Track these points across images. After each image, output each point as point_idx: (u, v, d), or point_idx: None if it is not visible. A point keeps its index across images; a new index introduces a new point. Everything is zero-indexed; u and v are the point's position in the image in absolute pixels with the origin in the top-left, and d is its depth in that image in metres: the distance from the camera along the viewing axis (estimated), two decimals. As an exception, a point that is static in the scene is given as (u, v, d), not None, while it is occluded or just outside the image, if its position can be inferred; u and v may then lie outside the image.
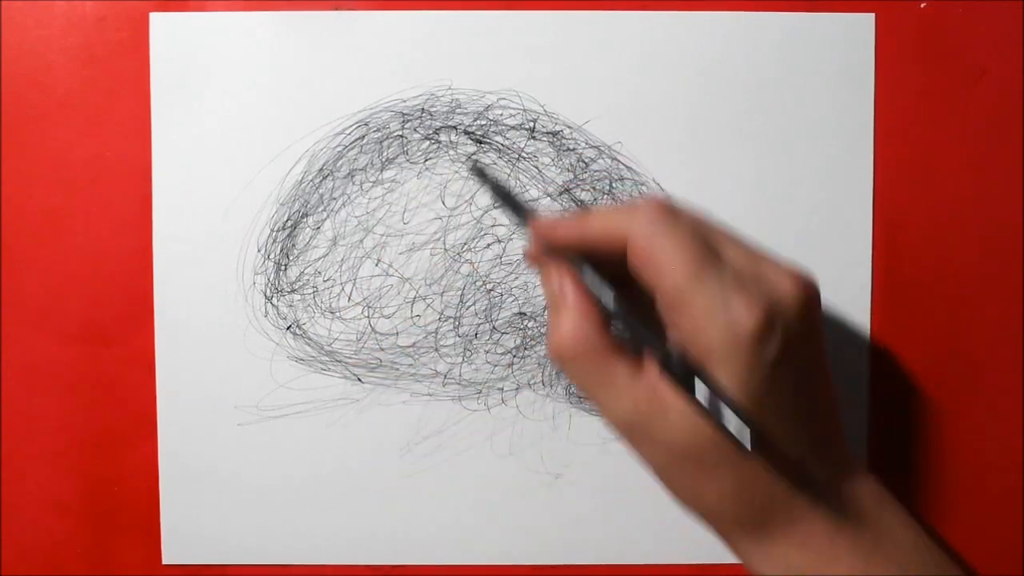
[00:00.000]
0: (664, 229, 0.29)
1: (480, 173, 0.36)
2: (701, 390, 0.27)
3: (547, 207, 0.40)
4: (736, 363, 0.27)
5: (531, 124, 0.40)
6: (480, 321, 0.40)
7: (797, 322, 0.28)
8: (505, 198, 0.34)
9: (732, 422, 0.26)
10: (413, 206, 0.40)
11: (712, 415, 0.27)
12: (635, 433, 0.29)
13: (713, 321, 0.28)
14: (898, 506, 0.31)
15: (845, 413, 0.40)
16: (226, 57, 0.39)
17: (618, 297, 0.30)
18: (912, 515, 0.31)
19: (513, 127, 0.40)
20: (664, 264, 0.28)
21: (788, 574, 0.29)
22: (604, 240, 0.30)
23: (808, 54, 0.39)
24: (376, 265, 0.40)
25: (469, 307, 0.40)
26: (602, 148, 0.40)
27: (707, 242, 0.29)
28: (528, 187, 0.40)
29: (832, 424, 0.31)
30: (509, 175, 0.39)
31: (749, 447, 0.26)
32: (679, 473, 0.29)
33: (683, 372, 0.27)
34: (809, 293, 0.29)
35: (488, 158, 0.40)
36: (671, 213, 0.29)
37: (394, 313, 0.40)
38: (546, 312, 0.39)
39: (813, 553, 0.29)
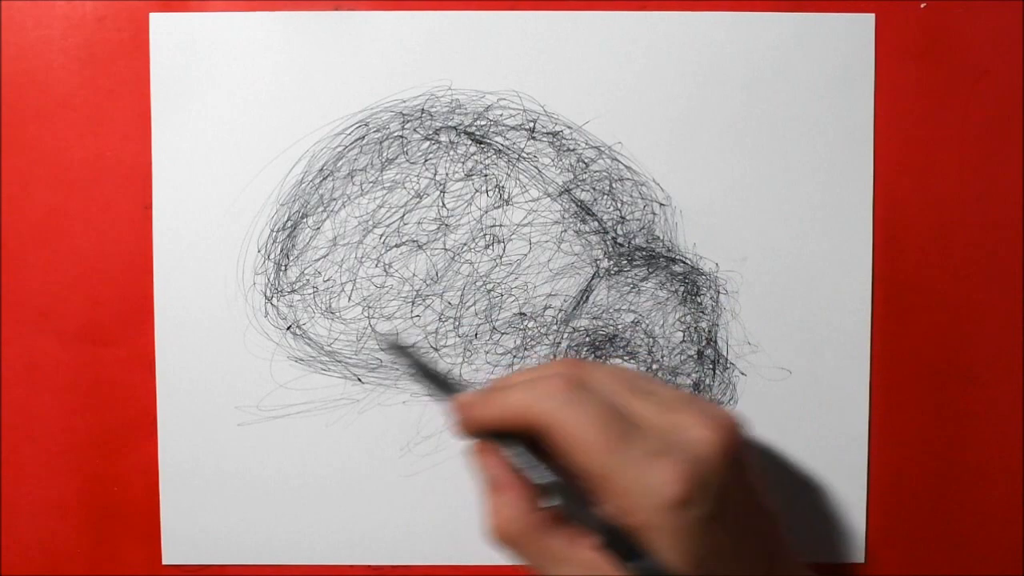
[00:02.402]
0: (572, 409, 0.29)
1: (398, 349, 0.37)
2: (645, 564, 0.27)
3: (547, 208, 0.40)
4: (671, 532, 0.27)
5: (531, 124, 0.40)
6: (480, 321, 0.40)
7: (723, 476, 0.28)
8: (426, 374, 0.35)
9: None
10: (413, 206, 0.40)
11: None
12: None
13: (640, 495, 0.27)
14: None
15: (844, 414, 0.40)
16: (226, 57, 0.39)
17: (552, 475, 0.30)
18: None
19: (513, 127, 0.40)
20: (579, 443, 0.28)
21: None
22: (520, 422, 0.30)
23: (808, 54, 0.39)
24: (376, 265, 0.40)
25: (469, 307, 0.40)
26: (602, 148, 0.40)
27: (620, 411, 0.29)
28: (528, 187, 0.40)
29: (782, 557, 0.31)
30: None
31: None
32: None
33: (620, 546, 0.28)
34: (729, 441, 0.29)
35: (488, 158, 0.40)
36: (578, 388, 0.29)
37: (394, 313, 0.40)
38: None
39: None
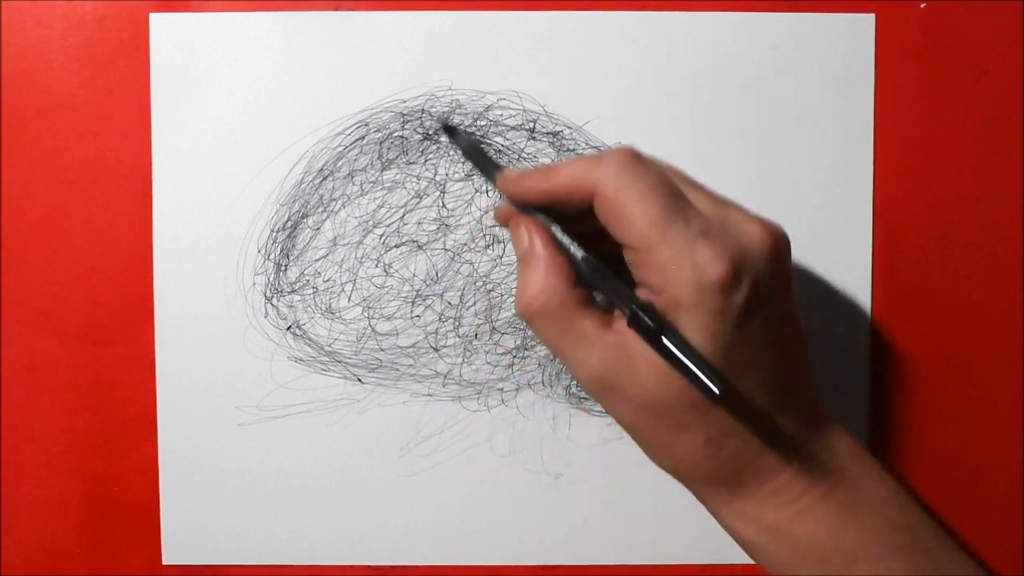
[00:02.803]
0: (629, 179, 0.28)
1: (451, 131, 0.36)
2: (672, 343, 0.26)
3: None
4: (703, 313, 0.27)
5: (531, 125, 0.40)
6: (480, 321, 0.40)
7: (765, 272, 0.28)
8: (476, 155, 0.34)
9: (701, 375, 0.26)
10: (413, 206, 0.40)
11: (681, 368, 0.26)
12: (604, 388, 0.29)
13: (679, 271, 0.27)
14: (872, 460, 0.31)
15: (844, 413, 0.40)
16: (226, 57, 0.39)
17: (587, 252, 0.29)
18: (885, 468, 0.31)
19: (513, 127, 0.40)
20: (630, 214, 0.28)
21: (761, 531, 0.29)
22: (571, 191, 0.29)
23: (808, 54, 0.39)
24: (376, 265, 0.40)
25: (469, 307, 0.40)
26: (602, 148, 0.40)
27: (674, 191, 0.28)
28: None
29: (803, 378, 0.30)
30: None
31: (716, 395, 0.25)
32: (649, 428, 0.29)
33: (652, 326, 0.27)
34: (777, 243, 0.28)
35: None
36: (637, 162, 0.29)
37: (394, 313, 0.40)
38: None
39: (786, 509, 0.29)
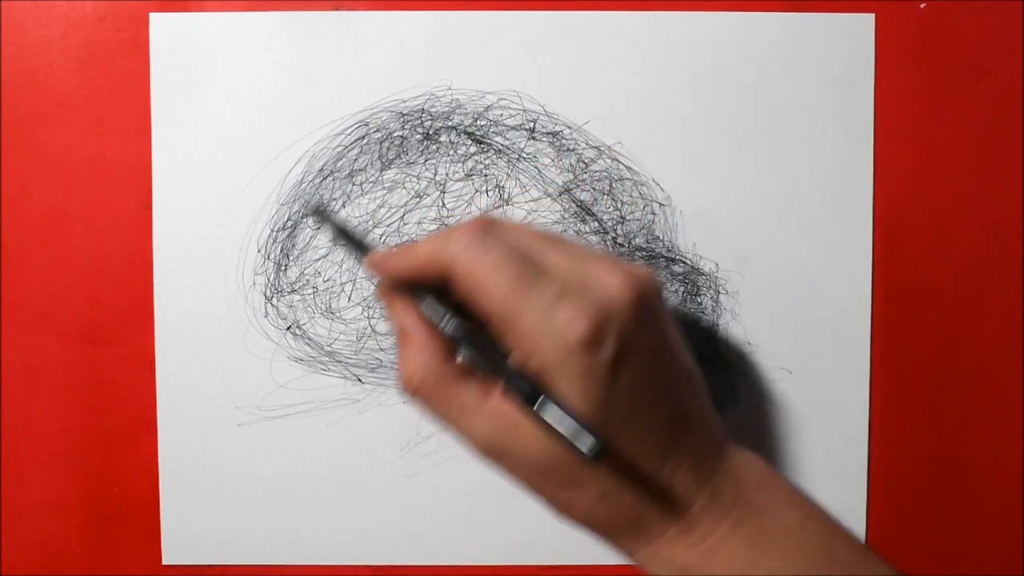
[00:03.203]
0: (478, 253, 0.29)
1: (320, 213, 0.37)
2: (548, 406, 0.27)
3: (547, 208, 0.40)
4: (572, 374, 0.27)
5: (531, 124, 0.40)
6: (480, 321, 0.40)
7: (631, 322, 0.28)
8: (345, 238, 0.35)
9: (580, 433, 0.26)
10: (413, 206, 0.40)
11: (558, 430, 0.27)
12: (495, 455, 0.29)
13: (541, 336, 0.27)
14: (782, 486, 0.30)
15: (844, 414, 0.40)
16: (226, 57, 0.39)
17: (459, 323, 0.30)
18: (798, 492, 0.30)
19: (513, 127, 0.40)
20: (484, 286, 0.28)
21: (676, 571, 0.29)
22: (429, 269, 0.30)
23: (808, 54, 0.39)
24: (376, 265, 0.40)
25: (469, 307, 0.40)
26: (602, 148, 0.40)
27: (526, 258, 0.29)
28: (528, 187, 0.40)
29: (697, 413, 0.30)
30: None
31: (589, 453, 0.26)
32: (545, 489, 0.29)
33: (527, 391, 0.28)
34: (640, 292, 0.28)
35: (488, 158, 0.40)
36: (485, 234, 0.29)
37: (394, 313, 0.40)
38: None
39: (695, 548, 0.29)
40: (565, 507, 0.30)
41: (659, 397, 0.29)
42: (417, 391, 0.30)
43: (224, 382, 0.40)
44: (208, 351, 0.40)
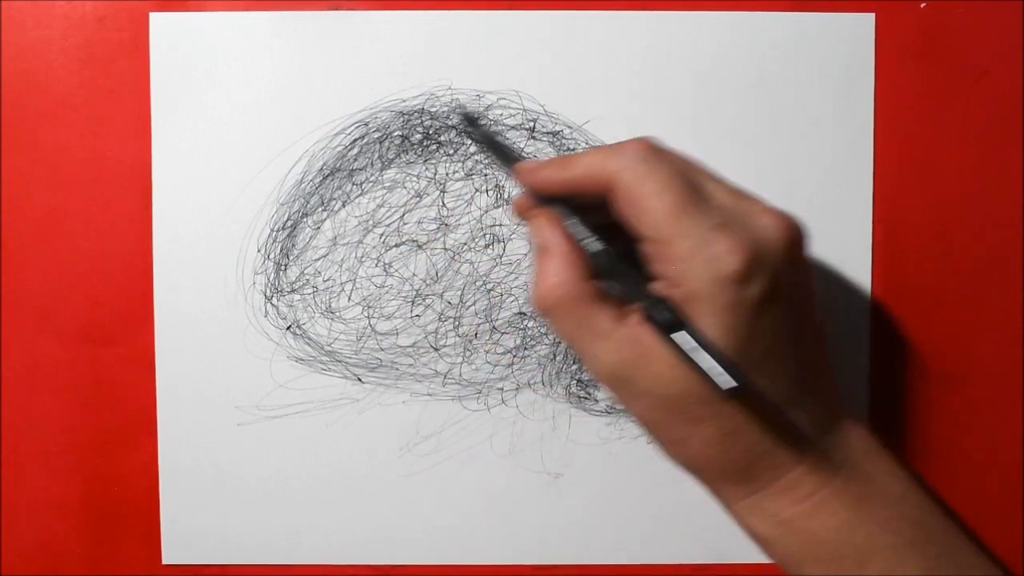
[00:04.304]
0: (647, 171, 0.28)
1: (470, 121, 0.36)
2: (687, 337, 0.26)
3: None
4: (719, 306, 0.27)
5: (531, 124, 0.40)
6: (480, 321, 0.40)
7: (782, 265, 0.28)
8: (493, 145, 0.34)
9: (717, 368, 0.26)
10: (413, 206, 0.40)
11: (696, 362, 0.26)
12: (619, 383, 0.29)
13: (695, 264, 0.27)
14: (888, 456, 0.31)
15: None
16: (226, 57, 0.39)
17: (604, 245, 0.29)
18: (902, 465, 0.31)
19: (513, 127, 0.40)
20: (647, 206, 0.28)
21: (775, 526, 0.29)
22: (588, 182, 0.29)
23: (808, 54, 0.39)
24: (376, 265, 0.40)
25: (469, 307, 0.40)
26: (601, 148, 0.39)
27: (692, 183, 0.28)
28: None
29: (820, 371, 0.30)
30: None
31: (728, 390, 0.25)
32: (663, 422, 0.29)
33: (668, 320, 0.27)
34: (794, 236, 0.28)
35: (488, 158, 0.40)
36: (655, 154, 0.29)
37: (394, 313, 0.40)
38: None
39: (800, 504, 0.29)
40: (678, 444, 0.29)
41: (793, 344, 0.28)
42: (553, 308, 0.29)
43: (224, 382, 0.40)
44: (208, 351, 0.40)
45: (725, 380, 0.26)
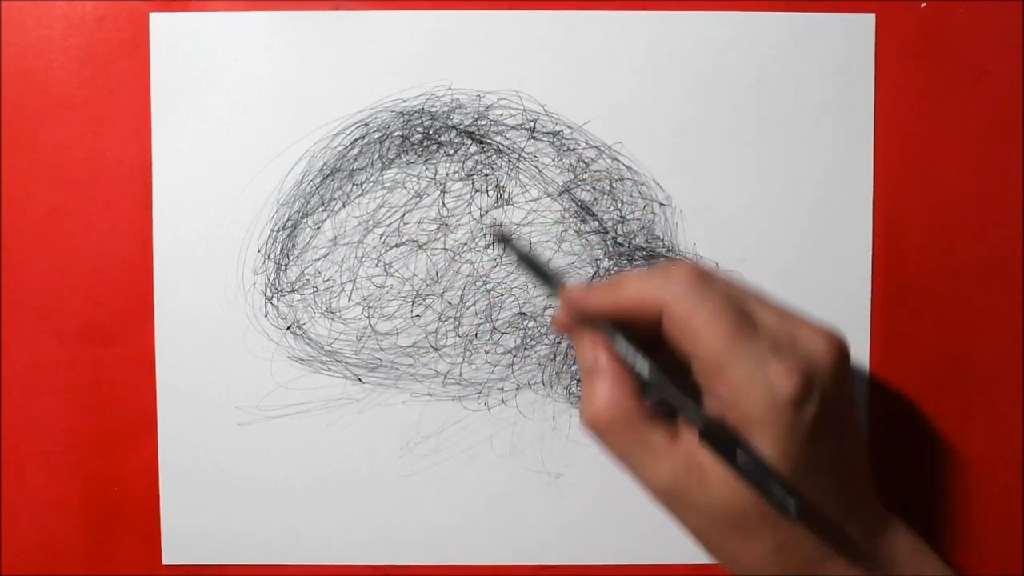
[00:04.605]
0: (699, 296, 0.29)
1: (506, 240, 0.35)
2: (745, 458, 0.27)
3: (547, 207, 0.40)
4: (776, 428, 0.28)
5: (531, 124, 0.40)
6: (480, 321, 0.40)
7: (832, 384, 0.29)
8: (533, 267, 0.34)
9: (777, 492, 0.26)
10: (413, 206, 0.40)
11: (756, 484, 0.27)
12: (674, 500, 0.30)
13: (752, 387, 0.28)
14: (932, 554, 0.31)
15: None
16: (226, 57, 0.39)
17: (653, 365, 0.30)
18: (945, 564, 0.31)
19: (513, 127, 0.40)
20: (701, 331, 0.28)
21: None
22: (638, 308, 0.30)
23: (808, 54, 0.39)
24: (376, 265, 0.40)
25: (469, 307, 0.40)
26: (602, 148, 0.40)
27: (741, 307, 0.29)
28: (528, 187, 0.40)
29: (864, 479, 0.31)
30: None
31: (792, 512, 0.26)
32: (718, 537, 0.30)
33: (720, 438, 0.28)
34: (841, 353, 0.29)
35: (488, 158, 0.40)
36: (705, 279, 0.29)
37: (394, 313, 0.40)
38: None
39: None
40: (733, 558, 0.30)
41: (843, 458, 0.29)
42: (604, 428, 0.30)
43: (224, 382, 0.40)
44: (208, 351, 0.40)
45: (791, 502, 0.26)
